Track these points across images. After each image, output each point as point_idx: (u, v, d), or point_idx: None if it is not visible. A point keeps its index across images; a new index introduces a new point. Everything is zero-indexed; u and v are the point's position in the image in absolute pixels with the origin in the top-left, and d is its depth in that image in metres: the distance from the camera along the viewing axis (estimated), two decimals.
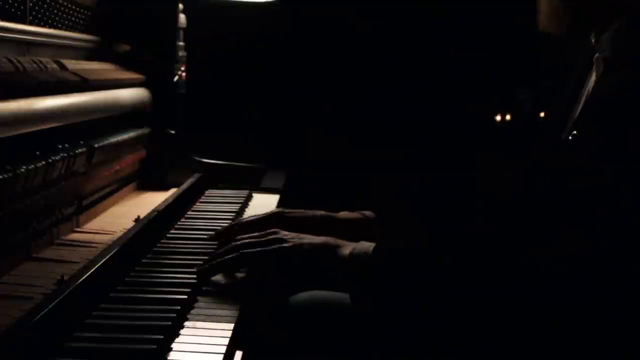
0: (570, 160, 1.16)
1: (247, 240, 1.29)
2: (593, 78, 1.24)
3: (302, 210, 1.47)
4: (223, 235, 1.44)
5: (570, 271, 1.03)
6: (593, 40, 1.21)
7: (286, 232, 1.28)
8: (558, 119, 1.28)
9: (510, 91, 3.27)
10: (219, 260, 1.27)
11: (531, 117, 1.50)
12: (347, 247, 1.20)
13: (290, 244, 1.24)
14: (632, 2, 1.16)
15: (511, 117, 3.32)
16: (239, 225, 1.45)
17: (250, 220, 1.43)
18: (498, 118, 3.35)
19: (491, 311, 1.07)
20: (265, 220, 1.40)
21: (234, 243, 1.29)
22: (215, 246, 1.42)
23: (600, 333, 1.02)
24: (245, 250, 1.26)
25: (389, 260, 1.15)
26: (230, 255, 1.26)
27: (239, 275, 1.29)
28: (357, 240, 1.21)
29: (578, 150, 1.15)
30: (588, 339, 1.03)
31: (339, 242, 1.22)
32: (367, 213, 1.49)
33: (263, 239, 1.27)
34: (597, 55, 1.21)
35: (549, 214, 1.18)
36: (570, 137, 1.21)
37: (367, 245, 1.18)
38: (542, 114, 1.43)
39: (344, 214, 1.49)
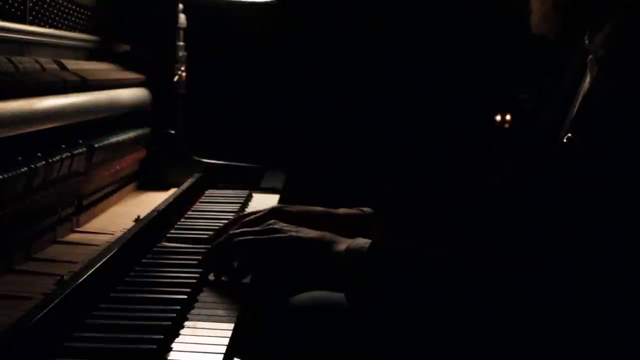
0: (567, 162, 1.16)
1: (244, 229, 1.30)
2: (587, 79, 1.24)
3: (301, 206, 1.47)
4: (221, 234, 1.45)
5: (566, 271, 1.03)
6: (587, 42, 1.21)
7: (284, 224, 1.28)
8: (554, 120, 1.28)
9: (510, 91, 3.27)
10: (214, 247, 1.28)
11: (531, 117, 1.50)
12: (343, 243, 1.20)
13: (287, 234, 1.25)
14: (625, 2, 1.15)
15: (511, 117, 3.32)
16: (237, 221, 1.45)
17: (249, 219, 1.43)
18: (498, 118, 3.35)
19: (486, 312, 1.07)
20: (265, 217, 1.41)
21: (231, 231, 1.30)
22: None
23: (595, 334, 1.02)
24: (240, 238, 1.26)
25: (384, 258, 1.15)
26: (226, 243, 1.27)
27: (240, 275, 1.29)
28: (355, 237, 1.21)
29: (574, 152, 1.15)
30: (583, 340, 1.03)
31: (336, 237, 1.23)
32: (366, 209, 1.49)
33: (260, 229, 1.28)
34: (590, 56, 1.21)
35: (546, 214, 1.18)
36: (566, 139, 1.21)
37: (363, 242, 1.18)
38: (539, 115, 1.43)
39: (343, 210, 1.49)
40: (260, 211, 1.44)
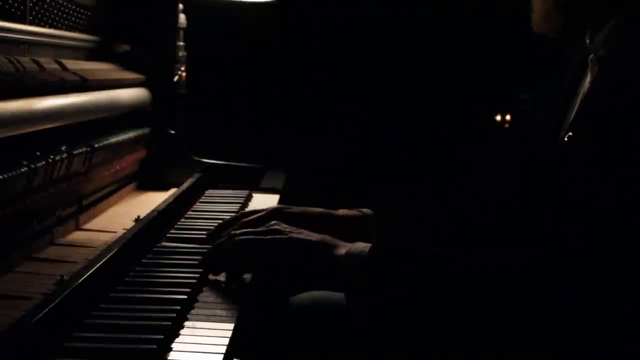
0: (567, 161, 1.16)
1: (245, 229, 1.30)
2: (588, 79, 1.24)
3: (302, 207, 1.47)
4: (221, 231, 1.45)
5: (567, 271, 1.03)
6: (587, 41, 1.21)
7: (285, 225, 1.28)
8: (554, 120, 1.28)
9: (510, 91, 3.27)
10: (215, 247, 1.28)
11: (531, 117, 1.50)
12: (344, 247, 1.20)
13: (287, 236, 1.25)
14: (625, 2, 1.15)
15: (511, 117, 3.32)
16: (237, 220, 1.45)
17: (250, 219, 1.43)
18: (498, 118, 3.35)
19: (488, 313, 1.07)
20: (265, 218, 1.41)
21: (232, 231, 1.30)
22: None
23: (595, 334, 1.02)
24: (241, 238, 1.26)
25: (385, 261, 1.15)
26: (227, 243, 1.26)
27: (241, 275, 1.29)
28: (355, 238, 1.21)
29: (574, 151, 1.15)
30: (584, 340, 1.03)
31: (336, 241, 1.22)
32: (365, 211, 1.49)
33: (261, 229, 1.28)
34: (591, 56, 1.21)
35: (546, 214, 1.18)
36: (566, 138, 1.21)
37: (363, 246, 1.18)
38: (540, 114, 1.43)
39: (342, 211, 1.49)
40: (260, 211, 1.44)
